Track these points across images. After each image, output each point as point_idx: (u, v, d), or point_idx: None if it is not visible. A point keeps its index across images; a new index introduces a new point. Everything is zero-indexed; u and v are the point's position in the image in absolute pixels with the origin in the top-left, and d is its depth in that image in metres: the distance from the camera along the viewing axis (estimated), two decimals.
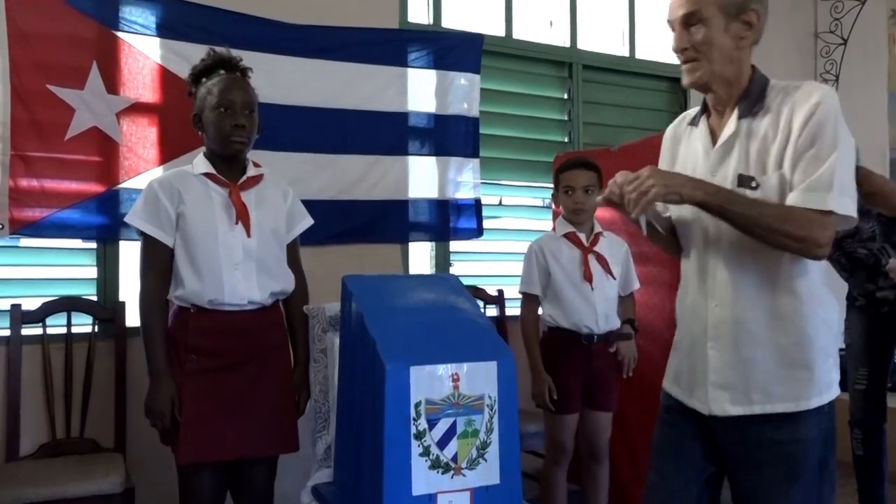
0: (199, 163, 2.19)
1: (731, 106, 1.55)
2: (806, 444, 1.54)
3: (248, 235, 2.14)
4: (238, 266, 2.12)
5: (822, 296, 1.56)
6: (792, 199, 1.45)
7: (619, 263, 2.77)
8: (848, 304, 2.98)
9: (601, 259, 2.71)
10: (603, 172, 2.69)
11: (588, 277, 2.69)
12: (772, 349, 1.54)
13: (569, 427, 2.76)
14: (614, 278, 2.75)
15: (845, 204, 1.43)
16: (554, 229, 2.85)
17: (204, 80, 2.19)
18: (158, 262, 2.12)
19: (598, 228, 2.78)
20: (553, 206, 2.82)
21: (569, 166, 2.73)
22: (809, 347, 1.53)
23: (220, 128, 2.12)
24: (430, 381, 1.75)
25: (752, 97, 1.53)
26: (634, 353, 2.77)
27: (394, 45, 3.34)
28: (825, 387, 1.55)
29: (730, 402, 1.57)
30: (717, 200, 1.46)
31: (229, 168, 2.19)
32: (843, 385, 2.96)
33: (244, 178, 2.20)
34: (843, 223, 1.47)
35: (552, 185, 2.91)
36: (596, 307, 2.70)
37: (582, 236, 2.73)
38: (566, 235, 2.76)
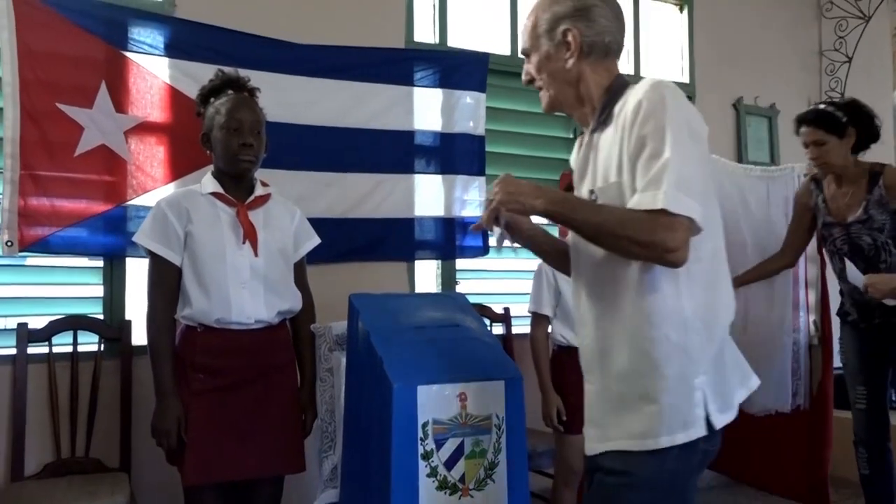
0: (207, 182, 2.20)
1: (591, 123, 1.51)
2: (636, 487, 1.36)
3: (256, 255, 2.14)
4: (245, 285, 2.13)
5: (676, 316, 1.34)
6: (631, 204, 1.32)
7: None
8: (840, 319, 2.96)
9: None
10: None
11: None
12: (631, 378, 1.38)
13: (578, 447, 2.72)
14: None
15: (680, 200, 1.25)
16: None
17: (212, 100, 2.21)
18: (166, 281, 2.12)
19: None
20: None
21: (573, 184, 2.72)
22: (656, 376, 1.33)
23: (228, 147, 2.14)
24: (438, 401, 1.74)
25: (603, 110, 1.46)
26: None
27: (400, 65, 3.35)
28: (678, 425, 1.32)
29: (596, 440, 1.45)
30: (559, 209, 1.35)
31: (237, 187, 2.20)
32: (846, 404, 2.96)
33: (252, 197, 2.21)
34: (696, 228, 1.29)
35: None
36: None
37: None
38: None
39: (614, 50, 1.50)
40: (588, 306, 1.48)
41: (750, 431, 3.04)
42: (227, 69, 2.27)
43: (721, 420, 1.37)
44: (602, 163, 1.44)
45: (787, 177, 3.17)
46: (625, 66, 4.24)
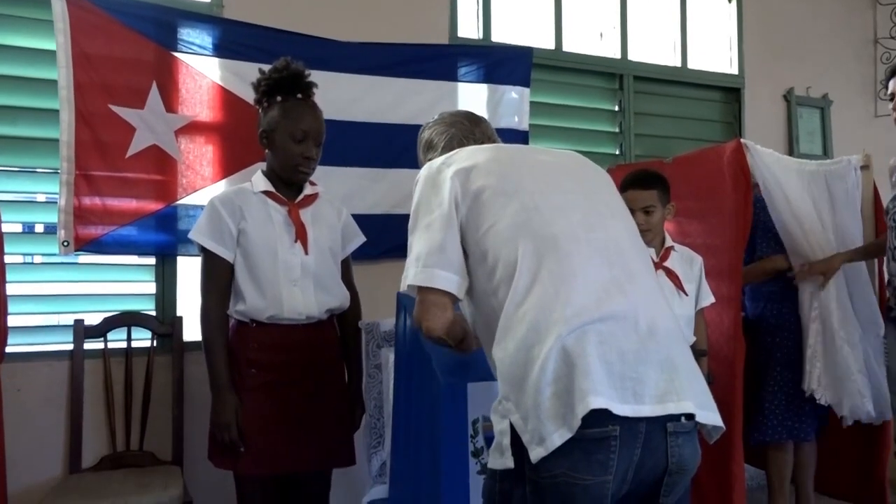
0: (258, 181, 2.21)
1: None
2: None
3: (306, 253, 2.16)
4: (297, 283, 2.14)
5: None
6: None
7: (692, 280, 2.62)
8: (884, 318, 2.80)
9: (672, 275, 2.56)
10: None
11: None
12: None
13: None
14: (687, 295, 2.59)
15: (418, 275, 1.40)
16: None
17: (278, 98, 2.16)
18: (219, 278, 2.14)
19: (668, 243, 2.63)
20: None
21: (625, 187, 2.56)
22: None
23: (290, 156, 2.15)
24: (488, 398, 1.72)
25: None
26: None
27: (444, 61, 3.35)
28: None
29: None
30: None
31: (288, 187, 2.21)
32: None
33: (301, 196, 2.22)
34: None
35: None
36: None
37: (651, 251, 2.56)
38: None
39: (456, 141, 1.72)
40: None
41: None
42: (293, 64, 2.17)
43: None
44: None
45: (843, 169, 3.03)
46: (672, 58, 4.17)
